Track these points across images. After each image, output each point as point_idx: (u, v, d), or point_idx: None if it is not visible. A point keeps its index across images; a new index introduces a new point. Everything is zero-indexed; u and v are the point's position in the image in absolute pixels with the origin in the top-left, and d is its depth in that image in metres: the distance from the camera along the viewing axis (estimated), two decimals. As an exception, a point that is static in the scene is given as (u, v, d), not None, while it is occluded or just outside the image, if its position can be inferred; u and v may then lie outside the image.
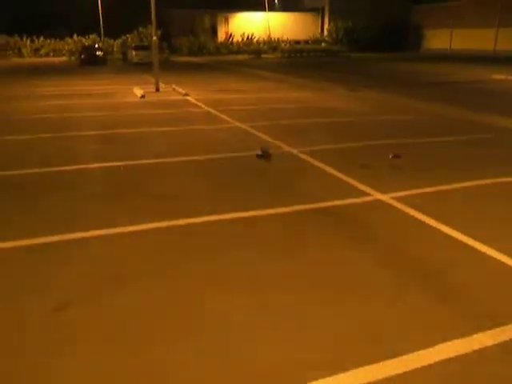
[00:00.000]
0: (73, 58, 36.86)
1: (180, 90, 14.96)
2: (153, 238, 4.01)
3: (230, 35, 46.46)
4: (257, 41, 45.67)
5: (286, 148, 7.11)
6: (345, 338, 2.68)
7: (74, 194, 5.15)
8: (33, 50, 42.76)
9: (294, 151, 6.90)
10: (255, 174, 5.87)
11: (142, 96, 13.70)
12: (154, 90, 15.07)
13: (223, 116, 10.20)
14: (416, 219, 4.37)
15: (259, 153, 6.64)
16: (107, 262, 3.58)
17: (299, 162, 6.38)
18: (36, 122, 9.81)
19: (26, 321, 2.83)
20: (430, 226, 4.21)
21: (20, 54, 41.97)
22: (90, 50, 33.42)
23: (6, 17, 52.13)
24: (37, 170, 6.03)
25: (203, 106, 11.87)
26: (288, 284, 3.26)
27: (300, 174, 5.88)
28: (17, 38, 42.69)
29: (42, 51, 43.00)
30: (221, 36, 46.93)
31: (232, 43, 45.63)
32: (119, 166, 6.19)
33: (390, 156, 6.53)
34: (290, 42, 44.62)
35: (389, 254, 3.69)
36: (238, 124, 9.20)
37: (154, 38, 15.65)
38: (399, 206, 4.71)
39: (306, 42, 44.71)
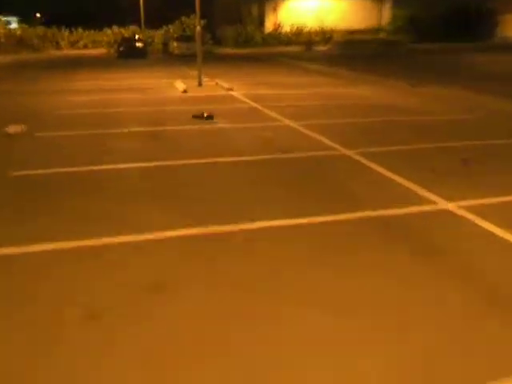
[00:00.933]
0: (111, 50, 38.08)
1: (224, 84, 15.17)
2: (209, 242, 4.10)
3: (279, 25, 46.66)
4: (308, 31, 45.62)
5: (342, 150, 7.08)
6: (407, 362, 2.64)
7: (118, 195, 5.34)
8: (70, 42, 44.57)
9: (351, 153, 6.86)
10: (307, 178, 5.87)
11: (184, 91, 13.99)
12: (196, 84, 15.36)
13: (271, 113, 10.27)
14: (487, 231, 4.24)
15: (205, 115, 9.41)
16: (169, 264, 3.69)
17: (356, 165, 6.34)
18: (74, 117, 10.22)
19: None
20: (502, 239, 4.08)
21: (58, 47, 43.85)
22: (129, 42, 34.42)
23: (45, 8, 54.56)
24: (77, 169, 6.28)
25: (249, 101, 11.99)
26: (344, 302, 3.25)
27: (357, 178, 5.83)
28: (55, 29, 44.64)
29: (80, 43, 44.76)
30: (269, 26, 47.19)
31: (280, 34, 45.80)
32: (164, 166, 6.36)
33: (458, 160, 6.38)
34: (344, 33, 44.29)
35: (455, 271, 3.60)
36: (287, 122, 9.23)
37: (198, 27, 15.94)
38: (467, 215, 4.58)
39: (363, 31, 44.22)
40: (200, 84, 15.40)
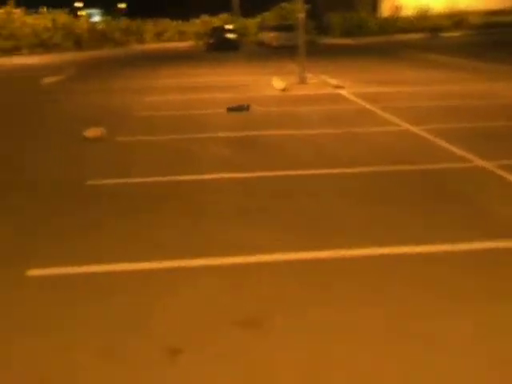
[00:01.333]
0: (200, 43, 39.52)
1: (331, 81, 15.16)
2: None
3: (397, 8, 45.94)
4: (434, 14, 44.46)
5: (477, 161, 6.75)
6: None
7: (204, 210, 5.45)
8: (155, 35, 46.99)
9: (489, 165, 6.52)
10: (436, 196, 5.66)
11: (284, 89, 14.14)
12: (298, 81, 15.47)
13: (387, 115, 10.09)
14: None
15: (245, 106, 10.94)
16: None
17: (497, 181, 6.03)
18: (159, 120, 10.69)
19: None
20: None
21: (141, 40, 46.35)
22: (219, 33, 35.50)
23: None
24: (159, 179, 6.52)
25: (361, 101, 11.88)
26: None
27: (501, 198, 5.54)
28: (139, 21, 47.29)
29: (166, 35, 47.01)
30: (385, 10, 46.61)
31: (398, 18, 45.06)
32: (260, 177, 6.42)
33: None
34: (481, 14, 42.59)
35: None
36: (407, 126, 9.02)
37: (301, 15, 16.06)
38: None
39: (507, 12, 42.25)
40: (303, 81, 15.47)
